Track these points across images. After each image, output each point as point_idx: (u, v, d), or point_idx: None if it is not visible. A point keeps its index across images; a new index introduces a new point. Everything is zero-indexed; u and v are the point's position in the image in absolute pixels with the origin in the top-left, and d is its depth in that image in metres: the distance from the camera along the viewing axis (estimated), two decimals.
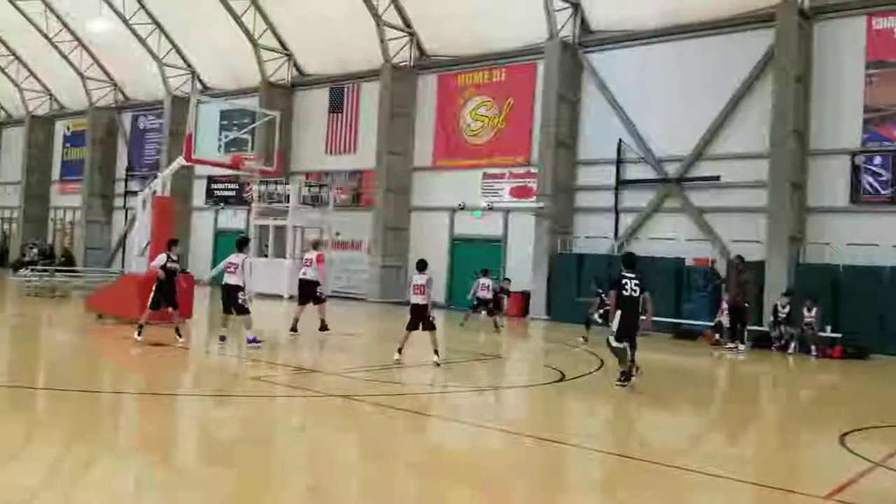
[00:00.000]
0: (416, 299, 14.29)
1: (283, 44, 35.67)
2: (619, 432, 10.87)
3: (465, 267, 27.64)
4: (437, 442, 9.70)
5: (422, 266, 14.64)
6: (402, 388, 12.70)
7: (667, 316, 22.66)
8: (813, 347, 19.81)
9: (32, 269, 29.47)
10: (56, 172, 47.82)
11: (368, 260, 31.99)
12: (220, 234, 38.16)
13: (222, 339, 15.66)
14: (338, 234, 32.67)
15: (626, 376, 12.83)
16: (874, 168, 21.97)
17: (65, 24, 40.93)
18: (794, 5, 22.68)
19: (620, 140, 26.30)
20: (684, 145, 25.06)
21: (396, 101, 31.43)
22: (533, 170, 28.04)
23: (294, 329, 17.81)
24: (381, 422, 10.19)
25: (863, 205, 22.13)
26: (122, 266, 38.06)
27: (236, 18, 34.33)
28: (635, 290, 12.84)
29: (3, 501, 6.27)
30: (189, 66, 39.39)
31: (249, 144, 24.92)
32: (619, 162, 26.38)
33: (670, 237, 24.85)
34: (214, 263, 34.73)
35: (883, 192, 21.83)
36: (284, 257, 31.46)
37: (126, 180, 43.23)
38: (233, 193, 37.92)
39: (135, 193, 35.40)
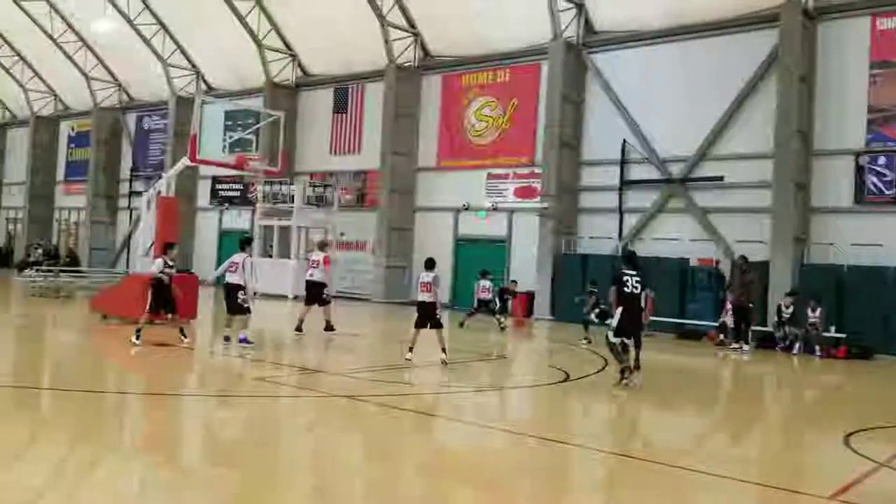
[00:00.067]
0: (423, 297, 14.30)
1: (287, 44, 35.70)
2: (623, 433, 10.88)
3: (469, 267, 27.62)
4: (442, 442, 9.71)
5: (430, 265, 14.65)
6: (406, 388, 12.72)
7: (671, 316, 22.69)
8: (817, 348, 19.78)
9: (37, 270, 29.53)
10: (61, 173, 47.92)
11: (373, 260, 32.01)
12: (224, 235, 38.17)
13: (226, 339, 15.66)
14: (342, 234, 32.68)
15: (627, 372, 12.91)
16: (878, 168, 21.94)
17: (69, 25, 40.99)
18: (798, 5, 22.65)
19: (624, 140, 26.29)
20: (688, 146, 25.05)
21: (401, 102, 31.44)
22: (537, 170, 28.04)
23: (299, 329, 17.87)
24: (386, 422, 10.20)
25: (867, 205, 22.10)
26: (127, 266, 38.16)
27: (241, 19, 34.37)
28: (636, 287, 12.89)
29: (9, 502, 6.29)
30: (193, 66, 39.45)
31: (254, 145, 24.95)
32: (623, 162, 26.37)
33: (674, 237, 24.82)
34: (218, 264, 34.71)
35: (887, 192, 21.80)
36: (289, 258, 31.51)
37: (130, 181, 43.29)
38: (237, 194, 37.97)
39: (139, 194, 35.44)
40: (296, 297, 28.78)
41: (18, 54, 45.67)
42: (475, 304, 22.64)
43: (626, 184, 26.34)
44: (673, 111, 25.34)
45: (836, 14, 22.92)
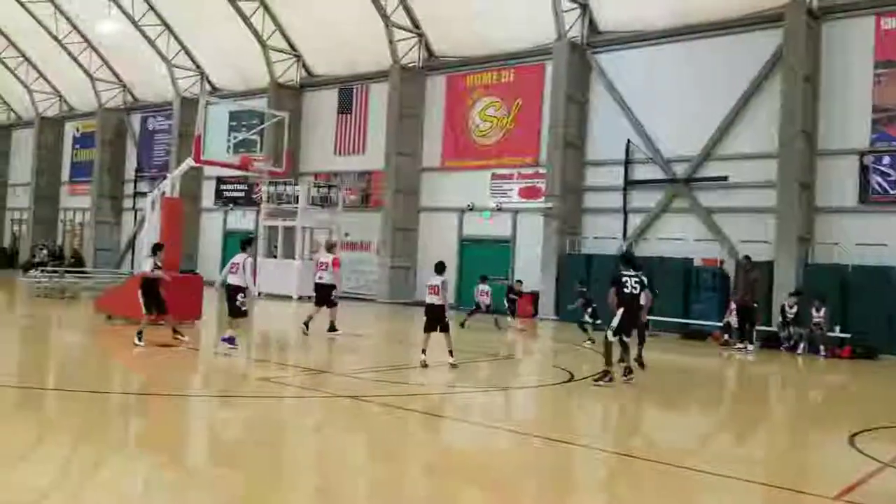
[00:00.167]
0: (431, 299, 14.23)
1: (291, 45, 35.72)
2: (627, 433, 10.88)
3: (473, 268, 27.63)
4: (446, 442, 9.72)
5: (440, 269, 14.56)
6: (410, 388, 12.72)
7: (675, 316, 22.69)
8: (822, 348, 19.75)
9: (42, 271, 29.60)
10: (65, 174, 47.99)
11: (377, 261, 32.03)
12: (229, 235, 38.20)
13: (231, 340, 15.66)
14: (347, 234, 32.71)
15: (608, 375, 13.01)
16: (883, 168, 21.91)
17: (74, 26, 41.05)
18: (802, 5, 22.63)
19: (629, 140, 26.27)
20: (693, 146, 25.03)
21: (405, 102, 31.46)
22: (541, 170, 28.05)
23: (306, 325, 17.91)
24: (390, 422, 10.22)
25: (871, 205, 22.08)
26: (132, 267, 38.18)
27: (245, 19, 34.39)
28: (635, 288, 13.09)
29: (13, 502, 6.31)
30: (198, 67, 39.49)
31: (258, 145, 25.03)
32: (628, 162, 26.36)
33: (678, 238, 24.80)
34: (223, 264, 34.76)
35: (892, 192, 21.76)
36: (293, 258, 31.53)
37: (135, 181, 43.39)
38: (242, 194, 37.99)
39: (144, 194, 35.51)
40: (300, 298, 28.87)
41: (23, 55, 45.74)
42: (473, 307, 23.07)
43: (630, 184, 26.33)
44: (677, 111, 25.32)
45: (840, 14, 22.89)
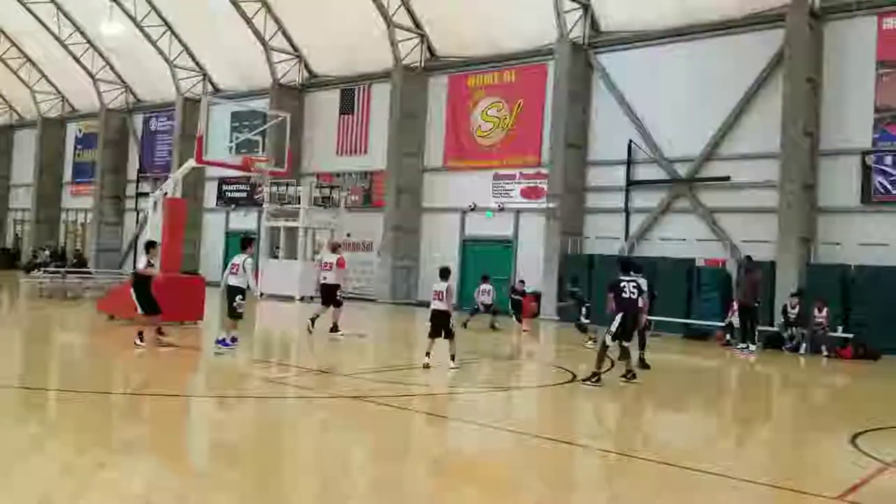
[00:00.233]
0: (436, 305, 14.15)
1: (293, 45, 35.74)
2: (629, 433, 10.87)
3: (476, 268, 27.66)
4: (448, 442, 9.71)
5: (445, 274, 14.45)
6: (412, 388, 12.71)
7: (677, 316, 22.68)
8: (824, 348, 19.76)
9: (44, 271, 29.64)
10: (68, 174, 48.07)
11: (379, 261, 32.05)
12: (231, 236, 38.20)
13: (234, 340, 15.67)
14: (348, 235, 32.71)
15: (597, 377, 13.01)
16: (885, 168, 21.90)
17: (76, 27, 41.16)
18: (804, 5, 22.62)
19: (631, 141, 26.28)
20: (694, 146, 25.04)
21: (407, 103, 31.47)
22: (543, 171, 28.06)
23: (312, 322, 17.93)
24: (392, 423, 10.22)
25: (874, 205, 22.07)
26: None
27: (247, 20, 34.41)
28: (633, 293, 13.26)
29: (16, 502, 6.32)
30: (200, 67, 39.54)
31: (260, 146, 24.95)
32: (630, 163, 26.36)
33: (681, 238, 24.81)
34: (225, 265, 34.78)
35: (894, 191, 21.76)
36: (296, 258, 31.55)
37: (137, 182, 43.47)
38: (244, 195, 38.05)
39: (146, 195, 35.58)
40: (302, 298, 28.89)
41: (26, 56, 45.84)
42: (474, 307, 23.16)
43: (632, 184, 26.33)
44: (679, 111, 25.32)
45: (841, 14, 22.88)
